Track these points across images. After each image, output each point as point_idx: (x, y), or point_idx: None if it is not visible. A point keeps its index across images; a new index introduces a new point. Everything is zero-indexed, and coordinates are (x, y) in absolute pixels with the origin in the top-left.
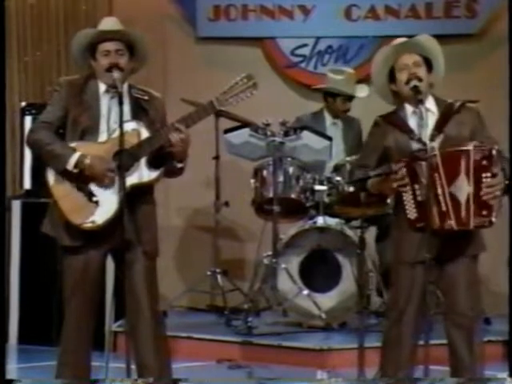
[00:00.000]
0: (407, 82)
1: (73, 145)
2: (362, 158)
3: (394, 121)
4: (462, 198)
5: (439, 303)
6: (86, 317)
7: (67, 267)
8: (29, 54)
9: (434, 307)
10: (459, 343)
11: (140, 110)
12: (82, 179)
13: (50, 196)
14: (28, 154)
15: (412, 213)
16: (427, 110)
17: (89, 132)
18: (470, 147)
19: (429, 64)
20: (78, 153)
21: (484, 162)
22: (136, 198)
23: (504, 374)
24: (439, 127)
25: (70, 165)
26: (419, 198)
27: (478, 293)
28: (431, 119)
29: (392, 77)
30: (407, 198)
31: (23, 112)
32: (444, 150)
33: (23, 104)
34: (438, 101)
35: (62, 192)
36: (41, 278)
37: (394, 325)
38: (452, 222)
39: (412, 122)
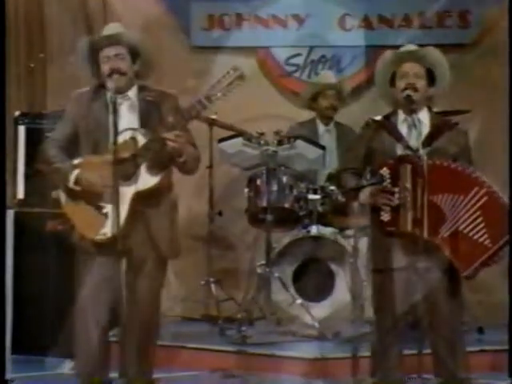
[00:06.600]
0: (403, 90)
1: (77, 161)
2: (350, 162)
3: (384, 124)
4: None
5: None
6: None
7: (85, 274)
8: (22, 62)
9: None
10: (443, 352)
11: (152, 113)
12: (85, 195)
13: (64, 215)
14: (21, 164)
15: (386, 215)
16: (419, 120)
17: (101, 142)
18: None
19: (432, 76)
20: (76, 171)
21: None
22: (147, 202)
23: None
24: (430, 140)
25: (71, 183)
26: (396, 201)
27: (460, 302)
28: (422, 130)
29: (393, 82)
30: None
31: (16, 121)
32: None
33: (17, 113)
34: (431, 114)
35: (74, 209)
36: (34, 288)
37: (380, 334)
38: (424, 231)
39: (402, 129)
